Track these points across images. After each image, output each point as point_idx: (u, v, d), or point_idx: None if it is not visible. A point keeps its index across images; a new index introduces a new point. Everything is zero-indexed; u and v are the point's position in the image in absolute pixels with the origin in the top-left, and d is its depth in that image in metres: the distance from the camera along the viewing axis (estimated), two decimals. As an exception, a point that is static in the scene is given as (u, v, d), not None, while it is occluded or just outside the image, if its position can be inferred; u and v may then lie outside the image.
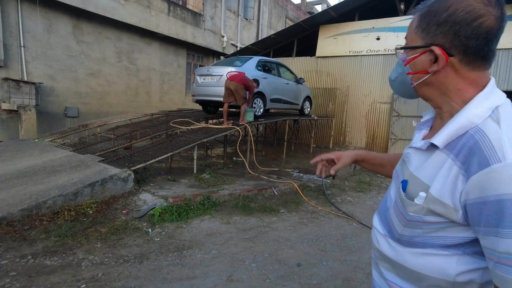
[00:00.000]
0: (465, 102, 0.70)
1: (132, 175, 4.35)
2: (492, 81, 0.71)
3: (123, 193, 4.20)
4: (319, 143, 10.69)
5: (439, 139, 0.70)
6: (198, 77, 7.04)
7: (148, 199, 4.16)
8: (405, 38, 0.79)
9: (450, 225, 0.67)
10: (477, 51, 0.67)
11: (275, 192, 4.97)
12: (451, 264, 0.68)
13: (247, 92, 6.16)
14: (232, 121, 6.49)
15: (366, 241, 3.51)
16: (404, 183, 0.76)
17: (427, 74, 0.73)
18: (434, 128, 0.81)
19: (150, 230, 3.46)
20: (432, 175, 0.69)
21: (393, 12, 9.47)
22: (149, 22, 10.26)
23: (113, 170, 4.26)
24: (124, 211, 3.81)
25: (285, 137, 7.99)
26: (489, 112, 0.66)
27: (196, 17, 12.11)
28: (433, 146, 0.72)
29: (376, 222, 0.90)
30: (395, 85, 0.84)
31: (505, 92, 0.73)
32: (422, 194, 0.69)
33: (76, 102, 9.02)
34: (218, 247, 3.20)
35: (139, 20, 9.90)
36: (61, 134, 6.89)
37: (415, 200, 0.70)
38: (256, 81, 6.51)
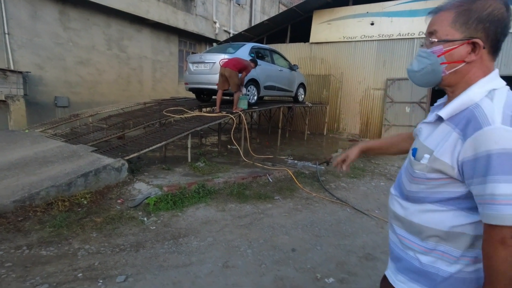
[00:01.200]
0: (471, 85, 0.86)
1: (126, 165, 4.33)
2: (496, 70, 0.88)
3: (117, 183, 4.18)
4: (313, 130, 10.72)
5: (443, 112, 0.87)
6: (190, 65, 6.93)
7: (142, 188, 4.15)
8: (433, 31, 0.90)
9: (447, 182, 0.85)
10: (500, 44, 0.86)
11: (269, 179, 5.00)
12: (448, 218, 0.86)
13: (240, 78, 6.07)
14: (226, 110, 6.43)
15: (360, 226, 3.58)
16: (414, 150, 0.94)
17: (462, 64, 0.86)
18: None
19: (145, 219, 3.47)
20: (436, 142, 0.86)
21: (387, -4, 9.34)
22: (139, 8, 9.96)
23: (107, 160, 4.23)
24: (119, 201, 3.81)
25: (280, 125, 7.98)
26: (486, 92, 0.83)
27: (187, 3, 11.80)
28: (439, 120, 0.89)
29: (392, 189, 1.10)
30: (418, 75, 0.95)
31: (508, 77, 0.83)
32: (426, 155, 0.87)
33: (66, 92, 8.83)
34: (214, 234, 3.23)
35: (128, 6, 9.60)
36: (52, 125, 6.78)
37: (421, 161, 0.88)
38: (254, 61, 6.37)
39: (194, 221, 3.52)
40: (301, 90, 9.06)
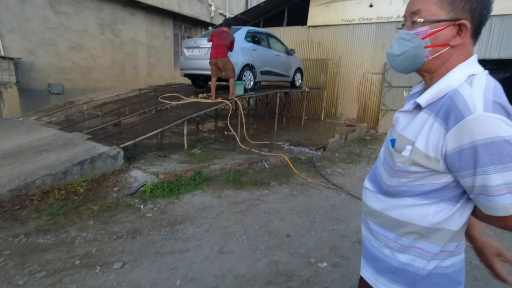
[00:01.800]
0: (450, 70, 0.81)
1: (122, 153, 4.32)
2: (475, 55, 0.83)
3: (114, 170, 4.19)
4: (310, 115, 10.68)
5: (422, 99, 0.82)
6: (185, 50, 6.79)
7: (139, 176, 4.17)
8: (416, 11, 0.81)
9: (430, 174, 0.80)
10: (482, 27, 0.80)
11: (265, 165, 5.02)
12: (430, 211, 0.82)
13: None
14: (222, 96, 6.36)
15: (354, 211, 3.63)
16: (393, 141, 0.88)
17: (446, 47, 0.80)
18: None
19: (142, 206, 3.50)
20: (416, 132, 0.81)
21: (387, -24, 9.07)
22: (131, -10, 9.67)
23: (102, 148, 4.22)
24: (115, 189, 3.82)
25: (276, 110, 7.93)
26: (465, 78, 0.78)
27: (181, -16, 11.45)
28: (417, 108, 0.84)
29: (366, 183, 1.04)
30: (398, 60, 0.87)
31: (496, 60, 0.82)
32: (408, 147, 0.82)
33: (59, 78, 8.69)
34: (210, 221, 3.27)
35: (120, -12, 9.32)
36: (46, 112, 6.71)
37: (402, 153, 0.83)
38: (229, 21, 6.05)
39: (190, 208, 3.56)
40: (298, 75, 8.95)
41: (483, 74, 0.79)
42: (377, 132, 9.59)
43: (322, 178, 4.78)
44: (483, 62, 9.56)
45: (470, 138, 0.71)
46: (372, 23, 9.38)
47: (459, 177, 0.78)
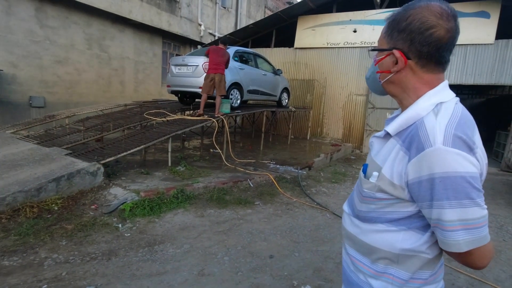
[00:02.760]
0: (419, 98, 0.82)
1: (102, 169, 4.18)
2: (445, 82, 0.84)
3: (92, 187, 4.03)
4: (296, 134, 10.79)
5: (390, 127, 0.84)
6: (173, 67, 6.83)
7: (119, 193, 4.02)
8: (377, 41, 0.91)
9: (396, 201, 0.81)
10: (429, 56, 0.80)
11: (250, 184, 4.97)
12: (398, 238, 0.82)
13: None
14: (209, 114, 6.35)
15: (338, 231, 3.60)
16: (365, 166, 0.90)
17: (390, 74, 0.86)
18: None
19: (120, 225, 3.35)
20: (384, 159, 0.83)
21: (369, 5, 9.57)
22: (121, 7, 9.75)
23: (81, 164, 4.07)
24: (93, 207, 3.66)
25: (263, 129, 7.97)
26: (433, 106, 0.78)
27: (171, 4, 11.66)
28: (388, 135, 0.86)
29: (345, 205, 1.05)
30: (369, 82, 0.96)
31: (458, 85, 0.83)
32: (375, 173, 0.83)
33: (42, 92, 8.49)
34: (191, 241, 3.16)
35: (110, 5, 9.38)
36: (25, 126, 6.48)
37: (370, 179, 0.84)
38: (224, 41, 6.13)
39: (171, 227, 3.44)
40: (285, 95, 9.10)
41: (451, 102, 0.79)
42: (361, 152, 9.76)
43: (307, 198, 4.76)
44: (460, 88, 10.10)
45: (429, 170, 0.71)
46: (356, 47, 9.78)
47: (419, 207, 0.78)
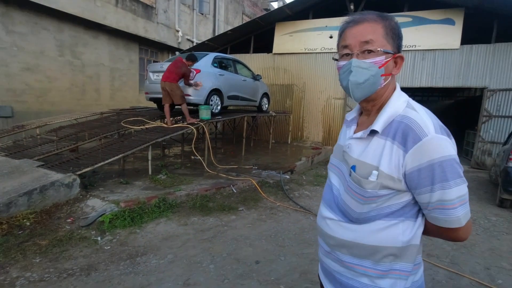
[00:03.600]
0: (391, 97, 0.91)
1: (78, 180, 4.00)
2: (398, 85, 0.95)
3: (68, 200, 3.84)
4: (278, 139, 10.88)
5: (378, 126, 0.87)
6: (150, 74, 6.70)
7: (97, 205, 3.86)
8: (369, 41, 0.85)
9: (394, 194, 0.85)
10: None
11: (233, 190, 4.94)
12: (399, 231, 0.85)
13: (187, 82, 5.93)
14: (182, 121, 6.26)
15: (322, 233, 3.63)
16: (353, 168, 0.90)
17: (390, 76, 0.90)
18: (362, 124, 0.98)
19: (99, 238, 3.22)
20: (376, 157, 0.85)
21: (344, 11, 9.90)
22: (95, 13, 9.49)
23: (55, 176, 3.88)
24: (69, 220, 3.49)
25: (244, 134, 7.97)
26: (405, 104, 0.88)
27: (148, 10, 11.50)
28: (371, 135, 0.89)
29: (327, 212, 0.99)
30: (362, 87, 0.88)
31: (408, 88, 0.93)
32: (375, 172, 0.84)
33: (9, 101, 8.04)
34: (175, 250, 3.08)
35: (82, 11, 9.10)
36: (-9, 137, 6.10)
37: (369, 178, 0.85)
38: (192, 58, 5.99)
39: (154, 237, 3.34)
40: (265, 100, 9.17)
41: (411, 99, 0.91)
42: (341, 154, 9.96)
43: (290, 201, 4.79)
44: (431, 90, 10.61)
45: (428, 157, 0.78)
46: (332, 52, 10.04)
47: (416, 194, 0.84)
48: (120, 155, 4.79)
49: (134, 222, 3.60)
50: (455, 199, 0.79)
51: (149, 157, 5.40)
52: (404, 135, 0.82)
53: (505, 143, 6.19)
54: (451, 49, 8.49)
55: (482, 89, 8.55)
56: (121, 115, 7.33)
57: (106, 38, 10.47)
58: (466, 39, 8.34)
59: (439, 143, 0.79)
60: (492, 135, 8.20)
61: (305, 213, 4.32)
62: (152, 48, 12.49)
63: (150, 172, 5.33)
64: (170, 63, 6.47)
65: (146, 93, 6.90)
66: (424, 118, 0.82)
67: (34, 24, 8.40)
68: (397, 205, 0.86)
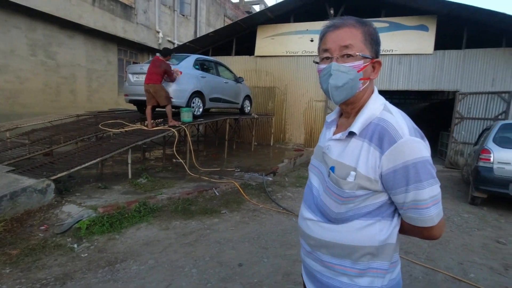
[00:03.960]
0: (368, 100, 0.94)
1: (52, 185, 3.84)
2: (376, 88, 0.98)
3: (41, 206, 3.67)
4: (260, 141, 10.91)
5: (356, 128, 0.89)
6: (130, 76, 6.55)
7: (73, 211, 3.71)
8: (348, 45, 0.88)
9: (371, 194, 0.87)
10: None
11: (216, 192, 4.90)
12: (376, 231, 0.88)
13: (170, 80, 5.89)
14: (168, 124, 6.17)
15: (305, 234, 3.67)
16: (332, 169, 0.92)
17: (368, 80, 0.93)
18: (341, 126, 1.00)
19: (75, 245, 3.09)
20: (354, 158, 0.87)
21: (324, 16, 10.11)
22: (70, 11, 9.16)
23: (27, 181, 3.70)
24: (43, 227, 3.33)
25: (226, 136, 7.94)
26: (382, 107, 0.91)
27: (126, 10, 11.25)
28: (349, 136, 0.91)
29: (307, 213, 1.01)
30: (341, 90, 0.90)
31: (386, 91, 0.96)
32: (353, 173, 0.86)
33: (-23, 103, 7.60)
34: (156, 255, 3.01)
35: (56, 9, 8.77)
36: (-44, 141, 5.73)
37: (347, 179, 0.87)
38: (166, 51, 5.95)
39: (134, 243, 3.25)
40: (247, 102, 9.19)
41: (387, 102, 0.94)
42: (322, 155, 10.13)
43: (273, 203, 4.81)
44: (407, 93, 11.00)
45: (402, 158, 0.81)
46: (314, 55, 10.22)
47: (392, 194, 0.86)
48: (98, 159, 4.64)
49: (113, 227, 3.49)
50: (428, 199, 0.82)
51: (129, 161, 5.26)
52: (381, 137, 0.84)
53: (476, 143, 6.52)
54: (425, 54, 8.87)
55: (454, 93, 8.99)
56: (99, 117, 7.10)
57: (82, 38, 10.13)
58: (440, 45, 8.75)
59: (413, 145, 0.81)
60: (464, 136, 8.63)
61: (287, 215, 4.35)
62: (131, 49, 12.22)
63: (130, 176, 5.20)
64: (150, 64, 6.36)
65: (126, 95, 6.73)
66: (399, 121, 0.85)
67: (3, 21, 8.00)
68: (374, 205, 0.88)
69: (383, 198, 0.88)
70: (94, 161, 4.57)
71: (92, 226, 3.42)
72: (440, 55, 8.77)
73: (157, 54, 10.98)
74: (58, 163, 4.52)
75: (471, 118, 8.49)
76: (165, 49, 6.09)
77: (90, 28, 9.89)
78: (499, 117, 7.95)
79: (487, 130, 5.98)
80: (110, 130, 6.00)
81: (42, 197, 3.71)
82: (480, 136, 6.52)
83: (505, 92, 7.95)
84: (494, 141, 5.07)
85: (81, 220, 3.46)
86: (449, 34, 8.88)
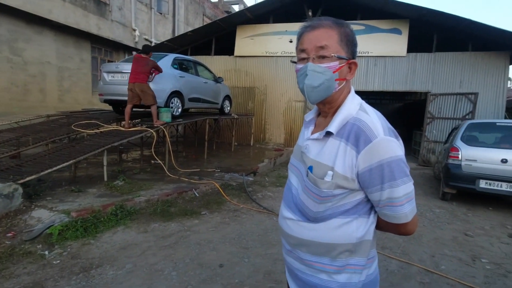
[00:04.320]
0: (345, 100, 0.95)
1: (20, 190, 3.63)
2: (353, 88, 1.00)
3: (8, 212, 3.46)
4: (240, 141, 10.90)
5: (333, 127, 0.91)
6: (105, 74, 6.32)
7: (44, 216, 3.53)
8: (324, 46, 0.89)
9: (348, 193, 0.89)
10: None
11: (196, 193, 4.83)
12: (353, 228, 0.90)
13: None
14: (147, 124, 6.03)
15: (285, 233, 3.70)
16: (311, 168, 0.93)
17: (344, 81, 0.94)
18: (319, 125, 1.02)
19: (46, 252, 2.94)
20: (331, 157, 0.89)
21: (303, 17, 10.25)
22: (38, 6, 8.70)
23: (-8, 186, 3.47)
24: (9, 234, 3.14)
25: (206, 137, 7.86)
26: (358, 106, 0.92)
27: (100, 6, 10.85)
28: (327, 136, 0.93)
29: (287, 212, 1.02)
30: (317, 91, 0.92)
31: (363, 92, 0.98)
32: (330, 172, 0.87)
33: None
34: (134, 259, 2.92)
35: (23, 3, 8.29)
36: None
37: (325, 178, 0.88)
38: (147, 48, 5.88)
39: (110, 247, 3.14)
40: (227, 102, 9.14)
41: (363, 102, 0.96)
42: (302, 155, 10.28)
43: (254, 203, 4.82)
44: (383, 94, 11.37)
45: (377, 157, 0.83)
46: (292, 56, 10.33)
47: (369, 192, 0.89)
48: (71, 161, 4.44)
49: (87, 232, 3.35)
50: (402, 196, 0.85)
51: (105, 163, 5.08)
52: (357, 137, 0.86)
53: (446, 142, 6.86)
54: (399, 56, 9.23)
55: (426, 93, 9.42)
56: (72, 118, 6.80)
57: (52, 34, 9.65)
58: (412, 48, 9.14)
59: (387, 144, 0.84)
60: (435, 135, 9.06)
61: (268, 214, 4.37)
62: (106, 47, 11.79)
63: (105, 179, 5.01)
64: (128, 63, 6.19)
65: (100, 94, 6.49)
66: (375, 121, 0.87)
67: (-36, 15, 7.47)
68: (351, 204, 0.90)
69: (359, 196, 0.90)
70: (67, 163, 4.37)
71: (65, 231, 3.26)
72: (413, 58, 9.16)
73: (135, 53, 10.66)
74: (26, 166, 4.28)
75: (441, 118, 8.93)
76: (146, 46, 5.98)
77: (61, 24, 9.45)
78: (467, 117, 8.42)
79: (455, 129, 6.32)
80: (84, 131, 5.76)
81: (9, 202, 3.50)
82: (449, 135, 6.87)
83: (471, 94, 8.43)
84: (462, 139, 5.36)
85: (52, 225, 3.30)
86: (421, 37, 9.30)
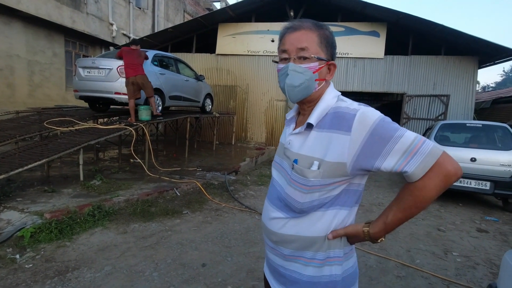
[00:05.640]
0: (323, 94, 0.99)
1: (-12, 190, 3.41)
2: (332, 83, 1.04)
3: (-26, 214, 3.25)
4: (222, 140, 10.84)
5: (313, 119, 0.94)
6: (80, 70, 6.06)
7: (14, 218, 3.35)
8: (305, 48, 0.92)
9: (333, 182, 0.89)
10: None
11: (177, 193, 4.76)
12: (330, 220, 0.93)
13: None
14: (125, 122, 5.86)
15: (268, 231, 3.73)
16: (296, 161, 0.95)
17: (324, 81, 0.97)
18: (300, 122, 1.04)
19: (17, 256, 2.79)
20: (315, 149, 0.91)
21: (284, 17, 10.34)
22: (7, -4, 8.20)
23: (-44, 186, 3.24)
24: (-24, 238, 2.95)
25: (187, 135, 7.75)
26: (336, 98, 0.97)
27: (75, -1, 10.37)
28: (308, 128, 0.96)
29: (270, 208, 1.04)
30: (297, 90, 0.95)
31: (343, 92, 1.10)
32: (316, 162, 0.89)
33: None
34: (113, 261, 2.84)
35: (-9, -8, 7.79)
36: None
37: (311, 168, 0.89)
38: (136, 41, 5.94)
39: (88, 249, 3.02)
40: (208, 101, 9.05)
41: (341, 94, 1.01)
42: (283, 154, 10.37)
43: (236, 202, 4.81)
44: (361, 94, 11.63)
45: (367, 126, 0.84)
46: (274, 55, 10.39)
47: (380, 164, 0.83)
48: (44, 160, 4.23)
49: (62, 234, 3.21)
50: (414, 139, 0.81)
51: (81, 162, 4.88)
52: (340, 121, 0.89)
53: (419, 141, 7.15)
54: (377, 58, 9.53)
55: (402, 95, 9.78)
56: (44, 114, 6.47)
57: (21, 26, 9.12)
58: (390, 51, 9.46)
59: (367, 110, 0.86)
60: (410, 134, 9.42)
61: (250, 213, 4.38)
62: (81, 41, 11.30)
63: (81, 178, 4.82)
64: (105, 59, 6.01)
65: (75, 90, 6.23)
66: (350, 103, 0.92)
67: None
68: (336, 191, 0.91)
69: (342, 187, 0.91)
70: (39, 162, 4.15)
71: (38, 233, 3.11)
72: (390, 60, 9.49)
73: (112, 48, 10.35)
74: (-6, 165, 4.03)
75: (416, 118, 9.32)
76: (135, 39, 5.98)
77: (30, 15, 8.94)
78: (439, 117, 8.83)
79: (429, 129, 6.61)
80: (57, 128, 5.50)
81: (-25, 204, 3.28)
82: (424, 135, 7.18)
83: (444, 96, 8.86)
84: (436, 139, 5.62)
85: (24, 227, 3.13)
86: (398, 41, 9.65)
